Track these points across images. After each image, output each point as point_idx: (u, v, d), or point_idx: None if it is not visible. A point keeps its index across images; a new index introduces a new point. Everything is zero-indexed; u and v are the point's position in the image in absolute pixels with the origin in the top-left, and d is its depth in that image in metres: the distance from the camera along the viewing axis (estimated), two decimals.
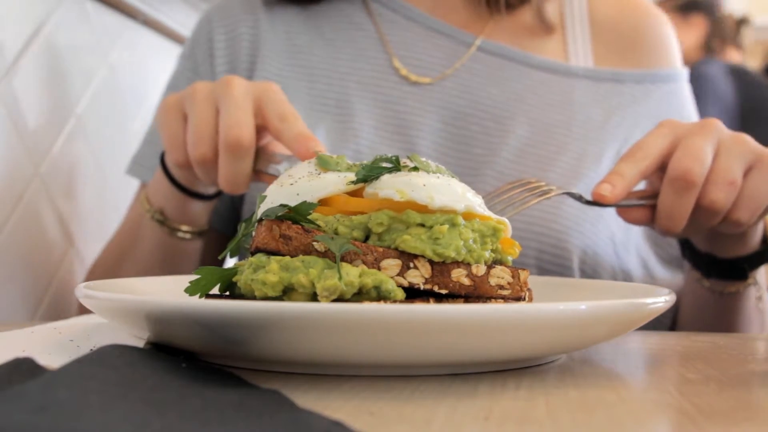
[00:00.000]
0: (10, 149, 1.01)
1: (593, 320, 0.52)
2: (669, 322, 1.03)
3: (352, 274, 0.53)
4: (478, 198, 0.61)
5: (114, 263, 1.04)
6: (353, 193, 0.61)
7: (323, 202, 0.60)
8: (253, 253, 0.58)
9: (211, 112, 0.81)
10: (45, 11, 1.09)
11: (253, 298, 0.55)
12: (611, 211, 0.91)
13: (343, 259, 0.55)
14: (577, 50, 1.10)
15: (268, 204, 0.60)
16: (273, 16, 1.10)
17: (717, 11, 3.71)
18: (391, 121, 1.03)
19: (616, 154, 1.03)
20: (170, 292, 0.66)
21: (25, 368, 0.44)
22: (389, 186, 0.58)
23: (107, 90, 1.25)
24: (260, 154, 0.82)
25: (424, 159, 0.63)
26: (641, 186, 0.86)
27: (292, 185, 0.60)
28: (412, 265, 0.55)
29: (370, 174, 0.60)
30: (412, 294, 0.56)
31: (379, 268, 0.55)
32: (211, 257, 1.08)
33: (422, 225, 0.56)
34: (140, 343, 0.55)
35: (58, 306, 1.10)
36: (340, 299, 0.53)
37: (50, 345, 0.58)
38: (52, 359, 0.49)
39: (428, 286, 0.56)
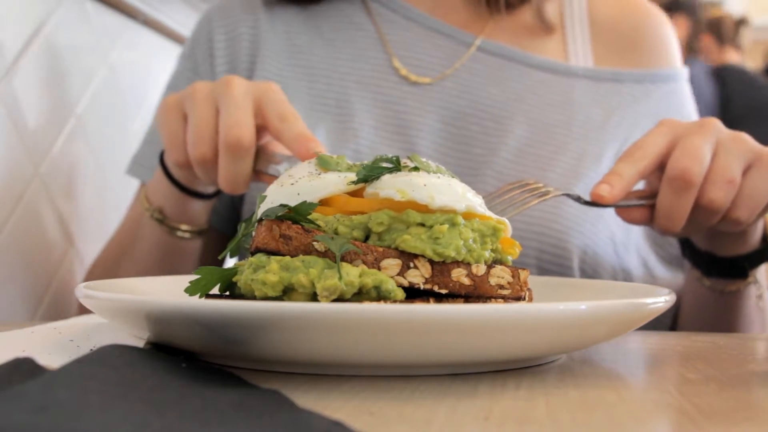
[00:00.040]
0: (10, 149, 1.01)
1: (593, 320, 0.52)
2: (669, 321, 1.03)
3: (352, 274, 0.53)
4: (479, 198, 0.61)
5: (113, 262, 1.04)
6: (353, 193, 0.61)
7: (324, 202, 0.60)
8: (253, 253, 0.58)
9: (211, 111, 0.81)
10: (45, 11, 1.09)
11: (253, 298, 0.55)
12: (611, 211, 0.91)
13: (343, 259, 0.55)
14: (577, 50, 1.10)
15: (268, 204, 0.60)
16: (273, 16, 1.10)
17: (698, 11, 3.72)
18: (390, 121, 1.03)
19: (616, 154, 1.03)
20: (170, 292, 0.66)
21: (25, 368, 0.44)
22: (390, 186, 0.58)
23: (107, 90, 1.25)
24: (260, 154, 0.82)
25: (424, 159, 0.63)
26: (640, 185, 0.86)
27: (292, 185, 0.60)
28: (412, 264, 0.55)
29: (370, 174, 0.60)
30: (412, 294, 0.56)
31: (379, 268, 0.55)
32: (211, 257, 1.08)
33: (422, 225, 0.56)
34: (140, 343, 0.55)
35: (58, 306, 1.10)
36: (340, 299, 0.53)
37: (50, 345, 0.58)
38: (52, 359, 0.49)
39: (428, 286, 0.56)
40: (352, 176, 0.61)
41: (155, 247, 0.98)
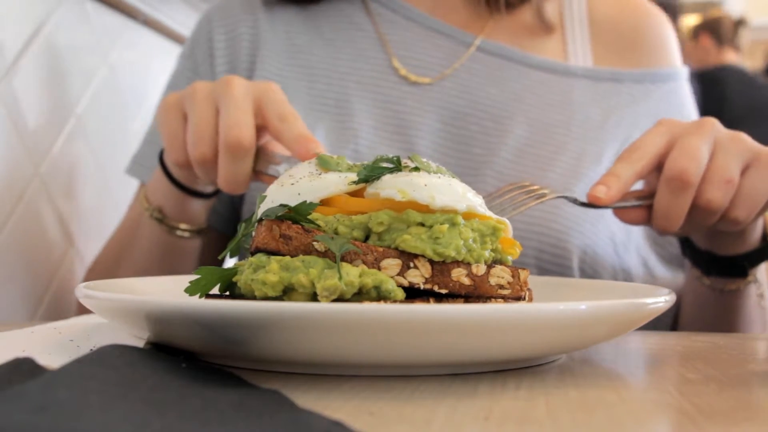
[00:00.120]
0: (10, 149, 1.01)
1: (593, 320, 0.52)
2: (670, 321, 1.03)
3: (352, 274, 0.53)
4: (479, 198, 0.61)
5: (113, 262, 1.04)
6: (354, 194, 0.61)
7: (324, 202, 0.60)
8: (253, 253, 0.58)
9: (211, 111, 0.81)
10: (45, 11, 1.09)
11: (253, 298, 0.55)
12: (611, 211, 0.91)
13: (343, 259, 0.55)
14: (577, 50, 1.10)
15: (268, 204, 0.60)
16: (273, 16, 1.10)
17: (678, 12, 3.72)
18: (390, 121, 1.03)
19: (616, 154, 1.03)
20: (170, 292, 0.66)
21: (25, 368, 0.44)
22: (391, 186, 0.58)
23: (107, 90, 1.25)
24: (260, 154, 0.82)
25: (425, 160, 0.63)
26: (639, 185, 0.86)
27: (292, 185, 0.60)
28: (412, 264, 0.55)
29: (371, 174, 0.60)
30: (412, 294, 0.56)
31: (379, 268, 0.55)
32: (211, 257, 1.08)
33: (422, 224, 0.56)
34: (140, 343, 0.55)
35: (58, 306, 1.10)
36: (340, 299, 0.53)
37: (50, 345, 0.58)
38: (52, 359, 0.49)
39: (428, 286, 0.56)
40: (353, 176, 0.61)
41: (155, 246, 0.98)
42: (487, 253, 0.58)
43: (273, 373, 0.53)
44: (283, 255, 0.55)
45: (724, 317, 0.94)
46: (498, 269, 0.58)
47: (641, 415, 0.45)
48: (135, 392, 0.40)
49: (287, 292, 0.54)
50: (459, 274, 0.56)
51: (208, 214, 1.00)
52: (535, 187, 0.81)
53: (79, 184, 1.17)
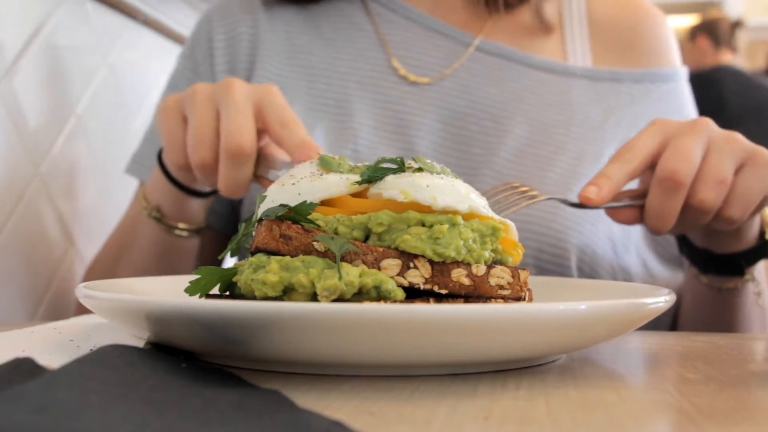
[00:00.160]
0: (10, 149, 1.01)
1: (593, 320, 0.52)
2: (669, 320, 1.03)
3: (352, 274, 0.53)
4: (483, 199, 0.61)
5: (112, 261, 1.04)
6: (355, 195, 0.60)
7: (324, 202, 0.59)
8: (253, 253, 0.58)
9: (211, 114, 0.80)
10: (45, 11, 1.09)
11: (253, 298, 0.55)
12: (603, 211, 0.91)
13: (343, 259, 0.55)
14: (576, 50, 1.10)
15: (268, 204, 0.60)
16: (272, 16, 1.10)
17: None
18: (390, 121, 1.03)
19: None
20: (170, 292, 0.66)
21: (25, 368, 0.44)
22: (393, 187, 0.58)
23: (107, 90, 1.25)
24: (260, 159, 0.81)
25: (429, 161, 0.63)
26: (635, 184, 0.86)
27: (293, 185, 0.60)
28: (412, 264, 0.55)
29: (374, 175, 0.60)
30: (412, 294, 0.56)
31: (379, 268, 0.55)
32: (211, 257, 1.08)
33: (422, 225, 0.56)
34: (140, 343, 0.55)
35: (58, 306, 1.10)
36: (340, 299, 0.53)
37: (50, 345, 0.58)
38: (52, 359, 0.49)
39: (428, 286, 0.56)
40: (355, 178, 0.60)
41: (153, 245, 0.98)
42: (487, 254, 0.58)
43: (273, 373, 0.53)
44: (283, 255, 0.55)
45: (722, 315, 0.94)
46: (498, 269, 0.58)
47: (641, 415, 0.45)
48: (135, 392, 0.40)
49: (287, 292, 0.54)
50: (459, 275, 0.56)
51: (207, 213, 1.00)
52: (525, 188, 0.82)
53: (79, 184, 1.17)
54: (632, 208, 0.82)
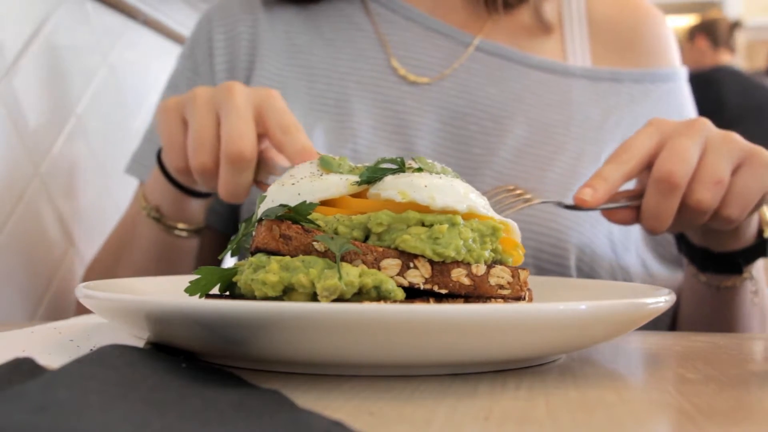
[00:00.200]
0: (10, 149, 1.01)
1: (593, 320, 0.52)
2: (669, 320, 1.03)
3: (352, 274, 0.53)
4: (483, 199, 0.61)
5: (111, 261, 1.04)
6: (355, 195, 0.60)
7: (324, 203, 0.59)
8: (253, 253, 0.58)
9: (211, 119, 0.80)
10: (45, 11, 1.09)
11: (253, 298, 0.55)
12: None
13: (343, 259, 0.55)
14: (576, 50, 1.10)
15: (268, 204, 0.60)
16: (272, 16, 1.10)
17: None
18: (389, 121, 1.03)
19: None
20: (170, 292, 0.66)
21: (25, 368, 0.44)
22: (392, 187, 0.58)
23: (107, 90, 1.25)
24: (261, 164, 0.81)
25: (430, 161, 0.63)
26: (631, 183, 0.86)
27: (293, 185, 0.60)
28: (412, 264, 0.55)
29: (374, 176, 0.60)
30: (412, 294, 0.56)
31: (379, 268, 0.55)
32: (211, 257, 1.08)
33: (422, 224, 0.56)
34: (140, 343, 0.55)
35: (58, 306, 1.10)
36: (340, 299, 0.53)
37: (50, 345, 0.58)
38: (52, 359, 0.49)
39: (428, 286, 0.56)
40: (354, 178, 0.60)
41: (152, 245, 0.98)
42: (486, 254, 0.58)
43: (273, 373, 0.53)
44: (283, 255, 0.55)
45: (721, 314, 0.94)
46: (498, 269, 0.58)
47: (641, 415, 0.45)
48: (135, 392, 0.40)
49: (287, 292, 0.54)
50: (459, 274, 0.56)
51: (206, 213, 1.00)
52: (521, 191, 0.82)
53: (79, 184, 1.17)
54: (628, 208, 0.82)
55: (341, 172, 0.62)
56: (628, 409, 0.46)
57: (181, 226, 0.96)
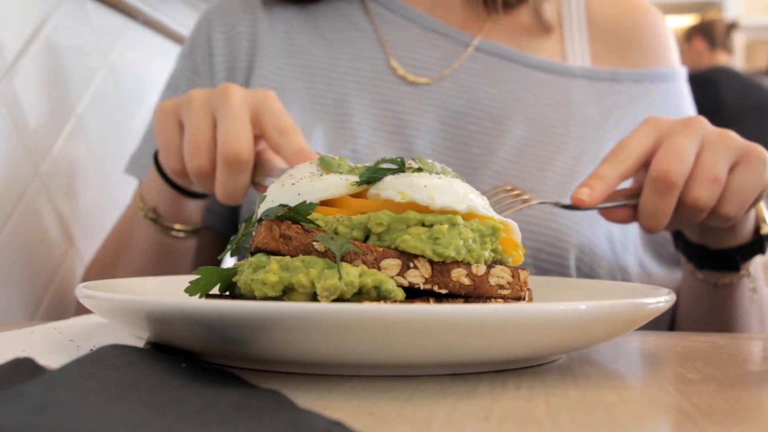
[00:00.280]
0: (10, 149, 1.01)
1: (593, 320, 0.52)
2: (668, 318, 1.03)
3: (352, 274, 0.53)
4: (482, 199, 0.61)
5: (110, 262, 1.04)
6: (355, 195, 0.60)
7: (324, 203, 0.59)
8: (253, 253, 0.58)
9: (208, 121, 0.80)
10: (45, 11, 1.09)
11: (253, 298, 0.55)
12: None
13: (343, 259, 0.55)
14: (575, 50, 1.10)
15: (268, 204, 0.60)
16: (272, 16, 1.10)
17: None
18: (388, 121, 1.03)
19: None
20: (170, 292, 0.66)
21: (25, 368, 0.44)
22: (391, 187, 0.58)
23: (107, 90, 1.25)
24: (257, 166, 0.81)
25: (429, 161, 0.63)
26: (628, 183, 0.86)
27: (293, 185, 0.60)
28: (412, 264, 0.55)
29: (373, 176, 0.60)
30: (412, 294, 0.56)
31: (379, 268, 0.55)
32: (210, 257, 1.08)
33: (422, 225, 0.56)
34: (140, 343, 0.55)
35: (58, 306, 1.10)
36: (340, 299, 0.53)
37: (50, 345, 0.58)
38: (52, 359, 0.49)
39: (428, 286, 0.56)
40: (354, 178, 0.60)
41: (150, 246, 0.98)
42: (487, 254, 0.58)
43: (273, 373, 0.53)
44: (283, 255, 0.55)
45: (719, 312, 0.94)
46: (498, 269, 0.58)
47: (641, 415, 0.45)
48: (135, 392, 0.40)
49: (287, 292, 0.54)
50: (459, 274, 0.56)
51: (204, 214, 1.00)
52: (518, 191, 0.82)
53: (79, 184, 1.17)
54: (626, 207, 0.83)
55: (341, 172, 0.62)
56: (628, 409, 0.46)
57: (178, 226, 0.96)
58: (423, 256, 0.55)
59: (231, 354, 0.53)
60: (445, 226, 0.56)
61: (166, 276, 0.79)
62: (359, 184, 0.60)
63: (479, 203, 0.60)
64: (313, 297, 0.53)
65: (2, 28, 1.00)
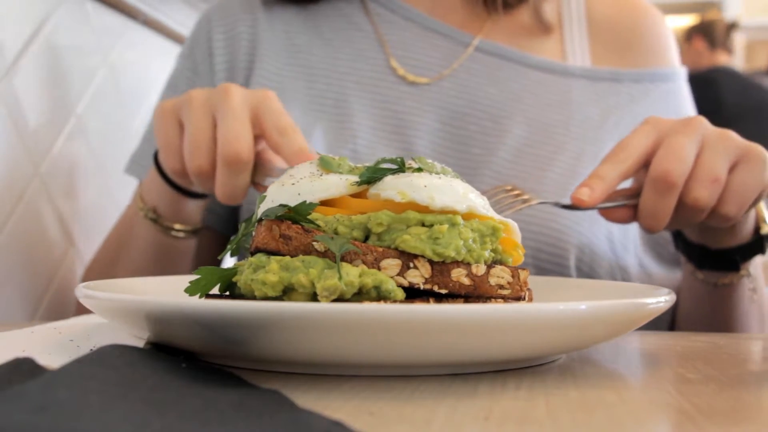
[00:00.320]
0: (10, 149, 1.01)
1: (593, 320, 0.52)
2: (668, 318, 1.03)
3: (352, 274, 0.53)
4: (482, 199, 0.61)
5: (110, 262, 1.04)
6: (355, 195, 0.60)
7: (324, 203, 0.59)
8: (253, 253, 0.58)
9: (208, 121, 0.80)
10: (45, 11, 1.09)
11: (253, 298, 0.55)
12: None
13: (343, 259, 0.55)
14: (575, 50, 1.10)
15: (268, 204, 0.60)
16: (272, 16, 1.10)
17: None
18: (388, 121, 1.03)
19: None
20: (170, 292, 0.66)
21: (25, 368, 0.44)
22: (391, 187, 0.58)
23: (107, 90, 1.25)
24: (257, 166, 0.81)
25: (429, 161, 0.63)
26: (627, 183, 0.86)
27: (293, 185, 0.60)
28: (411, 264, 0.55)
29: (373, 176, 0.60)
30: (412, 294, 0.56)
31: (379, 268, 0.55)
32: (210, 257, 1.08)
33: (422, 225, 0.56)
34: (140, 343, 0.55)
35: (58, 306, 1.10)
36: (340, 299, 0.53)
37: (50, 345, 0.58)
38: (52, 359, 0.49)
39: (428, 286, 0.56)
40: (354, 178, 0.60)
41: (150, 246, 0.98)
42: (486, 254, 0.58)
43: (273, 373, 0.53)
44: (283, 255, 0.55)
45: (719, 312, 0.94)
46: (498, 269, 0.58)
47: (641, 415, 0.45)
48: (135, 392, 0.40)
49: (287, 292, 0.54)
50: (459, 274, 0.56)
51: (204, 214, 1.00)
52: (518, 191, 0.82)
53: (79, 184, 1.17)
54: (626, 207, 0.83)
55: (341, 172, 0.62)
56: (628, 409, 0.46)
57: (177, 226, 0.96)
58: (423, 256, 0.55)
59: (231, 354, 0.53)
60: (445, 226, 0.56)
61: (166, 276, 0.79)
62: (359, 184, 0.60)
63: (479, 203, 0.60)
64: (313, 297, 0.53)
65: (2, 28, 1.00)
